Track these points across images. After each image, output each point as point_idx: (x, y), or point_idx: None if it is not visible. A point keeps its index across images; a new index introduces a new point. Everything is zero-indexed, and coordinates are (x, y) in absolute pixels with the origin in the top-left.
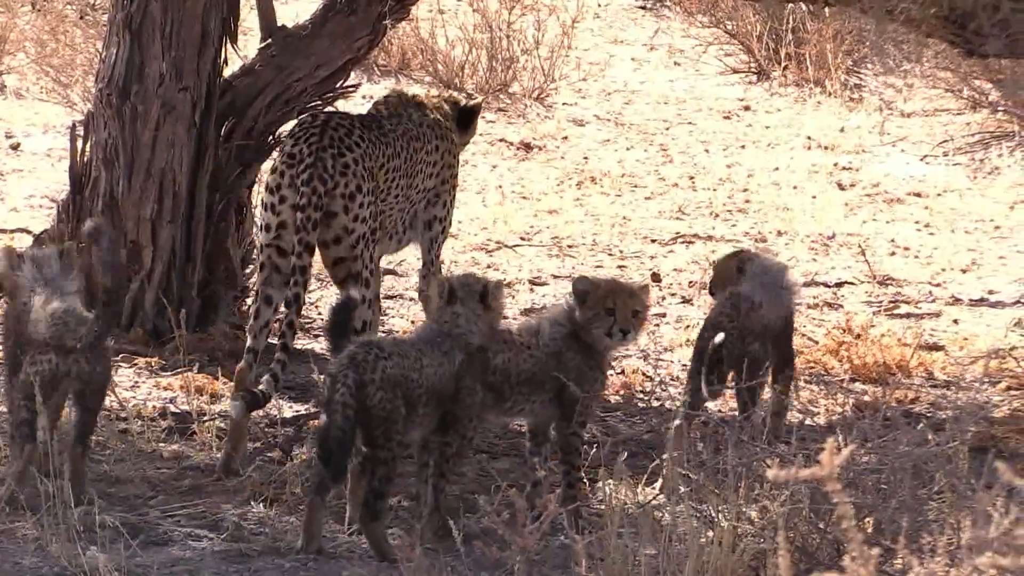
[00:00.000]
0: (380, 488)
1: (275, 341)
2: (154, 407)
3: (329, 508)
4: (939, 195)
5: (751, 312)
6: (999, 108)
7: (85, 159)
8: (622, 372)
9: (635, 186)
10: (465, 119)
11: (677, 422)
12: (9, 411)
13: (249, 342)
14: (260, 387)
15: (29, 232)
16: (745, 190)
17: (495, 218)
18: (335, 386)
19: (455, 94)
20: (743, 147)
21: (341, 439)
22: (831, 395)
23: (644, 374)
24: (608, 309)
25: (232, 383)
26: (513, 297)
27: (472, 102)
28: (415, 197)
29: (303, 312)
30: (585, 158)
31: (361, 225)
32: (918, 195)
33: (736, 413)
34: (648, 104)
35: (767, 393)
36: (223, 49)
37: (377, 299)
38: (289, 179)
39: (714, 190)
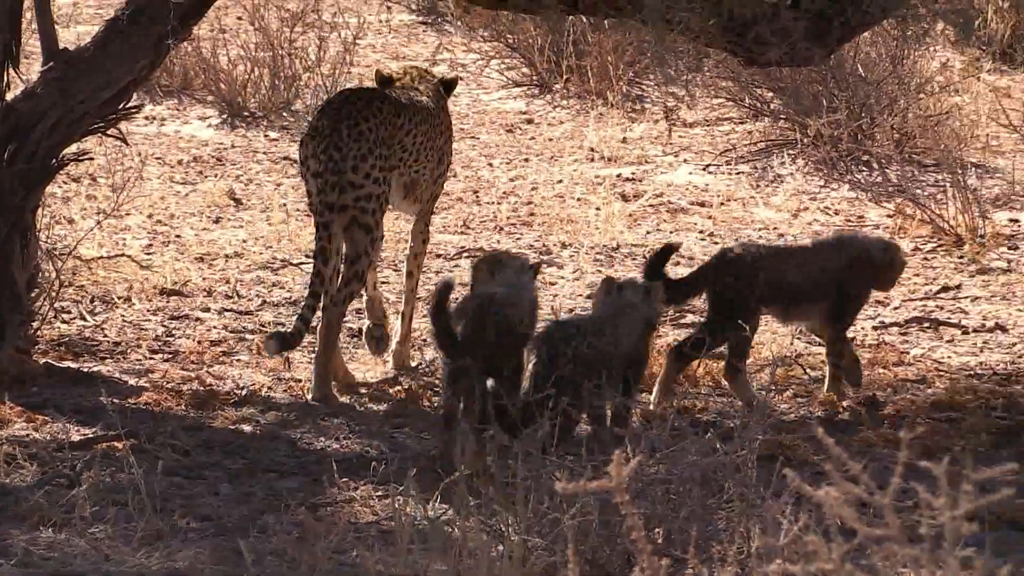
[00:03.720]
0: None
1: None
2: None
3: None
4: (722, 204)
5: None
6: (780, 116)
7: None
8: (409, 388)
9: None
10: (446, 91)
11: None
12: None
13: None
14: (287, 329)
15: None
16: (529, 203)
17: (280, 236)
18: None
19: (433, 70)
20: (527, 160)
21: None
22: None
23: (431, 389)
24: None
25: (17, 409)
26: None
27: (451, 75)
28: (433, 157)
29: (106, 335)
30: None
31: (372, 185)
32: (701, 204)
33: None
34: None
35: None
36: (5, 73)
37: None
38: (312, 150)
39: (498, 204)
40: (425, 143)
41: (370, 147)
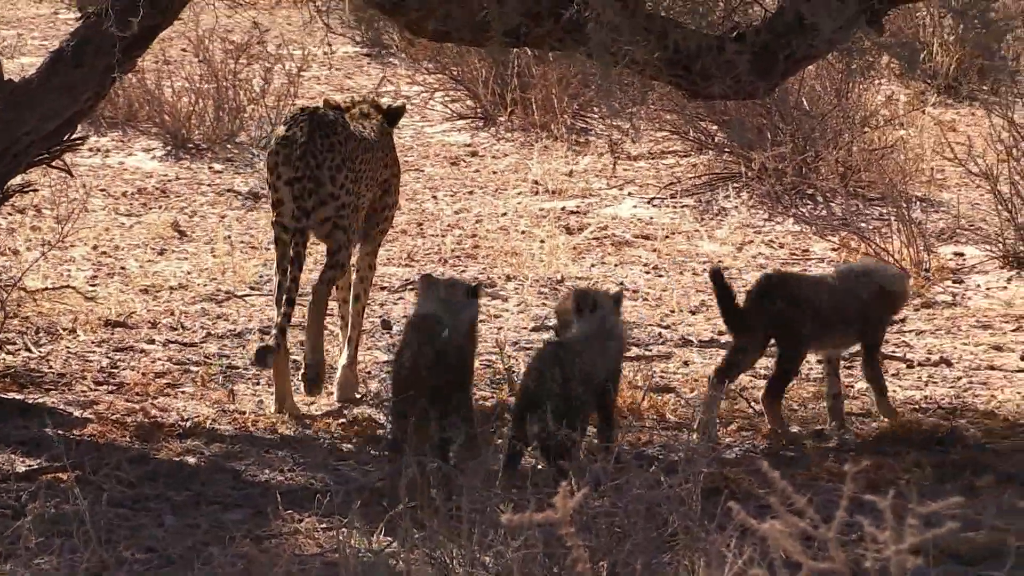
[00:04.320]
0: None
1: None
2: None
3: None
4: (667, 237)
5: None
6: (725, 149)
7: None
8: (354, 420)
9: None
10: (393, 119)
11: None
12: None
13: (276, 318)
14: (268, 341)
15: None
16: (474, 235)
17: (224, 268)
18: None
19: (378, 98)
20: (471, 192)
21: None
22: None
23: (375, 421)
24: None
25: None
26: (244, 348)
27: (397, 104)
28: (375, 189)
29: (51, 367)
30: None
31: (346, 195)
32: (646, 238)
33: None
34: None
35: None
36: None
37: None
38: (284, 157)
39: (443, 236)
40: (368, 173)
41: (343, 159)
